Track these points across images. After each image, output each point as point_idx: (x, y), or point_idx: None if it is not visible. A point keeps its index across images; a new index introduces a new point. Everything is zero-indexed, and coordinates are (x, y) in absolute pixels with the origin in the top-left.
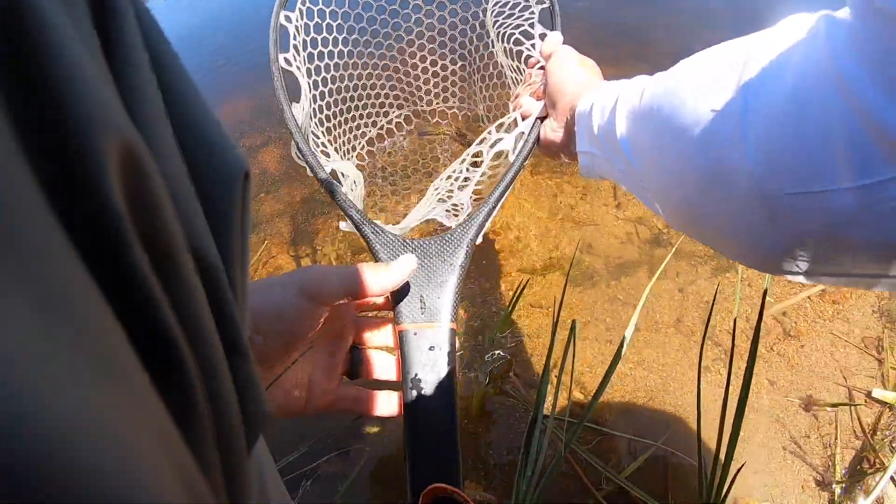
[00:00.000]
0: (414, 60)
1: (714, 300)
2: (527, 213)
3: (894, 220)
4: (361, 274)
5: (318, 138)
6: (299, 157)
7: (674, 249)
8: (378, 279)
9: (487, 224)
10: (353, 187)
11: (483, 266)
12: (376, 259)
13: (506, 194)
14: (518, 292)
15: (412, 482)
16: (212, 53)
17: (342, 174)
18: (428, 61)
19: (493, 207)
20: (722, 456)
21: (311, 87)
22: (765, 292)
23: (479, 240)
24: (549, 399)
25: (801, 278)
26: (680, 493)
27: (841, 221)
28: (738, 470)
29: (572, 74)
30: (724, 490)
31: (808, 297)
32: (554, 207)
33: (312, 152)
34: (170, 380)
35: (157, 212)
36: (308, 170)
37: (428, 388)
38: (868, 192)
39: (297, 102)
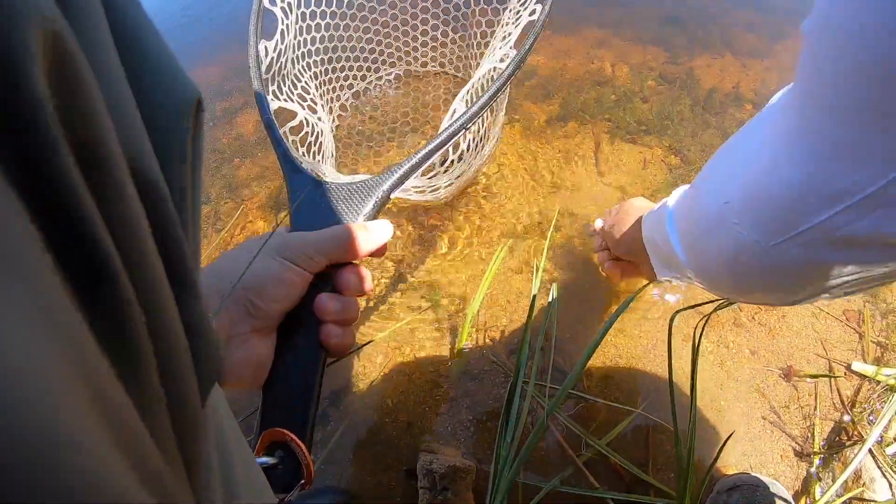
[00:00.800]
0: (415, 21)
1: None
2: (510, 176)
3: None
4: (341, 239)
5: (300, 80)
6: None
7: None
8: (360, 244)
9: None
10: (312, 135)
11: (466, 228)
12: (289, 193)
13: (440, 151)
14: (497, 256)
15: (261, 423)
16: (181, 10)
17: (305, 121)
18: (429, 24)
19: (419, 163)
20: (707, 423)
21: (304, 30)
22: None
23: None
24: (529, 364)
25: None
26: (660, 458)
27: (819, 253)
28: (726, 441)
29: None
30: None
31: None
32: (536, 171)
33: (262, 90)
34: (102, 305)
35: (89, 113)
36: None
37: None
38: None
39: (269, 41)
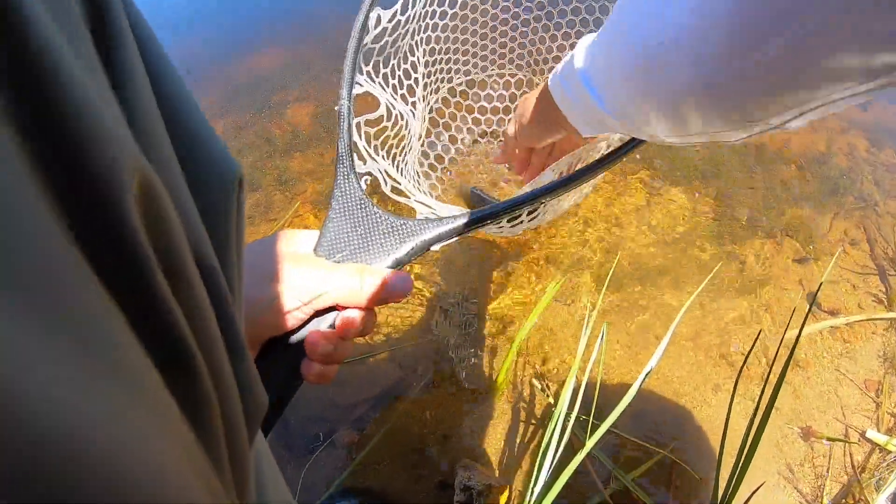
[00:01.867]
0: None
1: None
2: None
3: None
4: (353, 289)
5: (410, 57)
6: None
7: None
8: (374, 296)
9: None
10: (394, 128)
11: (513, 252)
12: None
13: (505, 217)
14: (555, 287)
15: None
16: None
17: (390, 110)
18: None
19: (474, 222)
20: (725, 473)
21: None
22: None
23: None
24: (568, 394)
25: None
26: (681, 500)
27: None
28: (755, 490)
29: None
30: None
31: (820, 332)
32: (586, 205)
33: (354, 68)
34: (187, 384)
35: (170, 232)
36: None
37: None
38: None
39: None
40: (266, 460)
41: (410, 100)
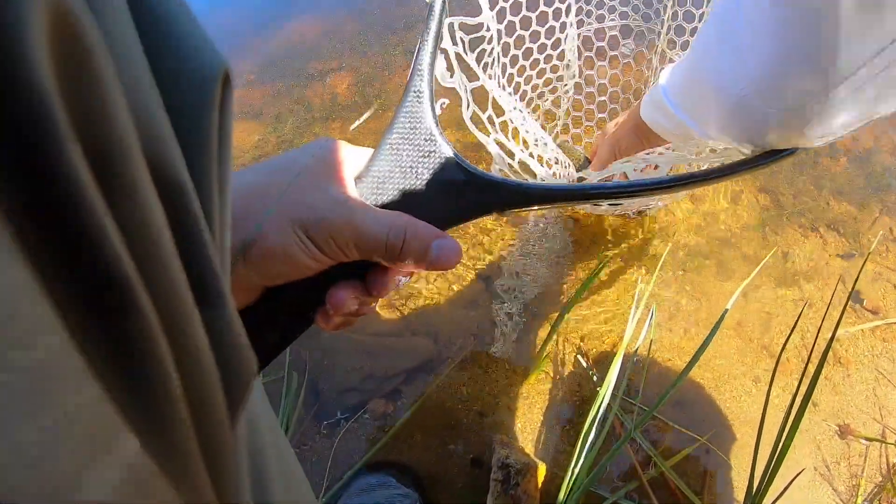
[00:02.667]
0: None
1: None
2: None
3: None
4: (395, 248)
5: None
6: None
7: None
8: (417, 261)
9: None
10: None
11: (558, 235)
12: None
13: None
14: (597, 270)
15: None
16: None
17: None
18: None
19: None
20: (761, 466)
21: None
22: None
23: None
24: (614, 376)
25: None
26: (714, 490)
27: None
28: (794, 478)
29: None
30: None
31: (862, 331)
32: None
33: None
34: (120, 335)
35: (102, 102)
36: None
37: None
38: None
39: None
40: (273, 452)
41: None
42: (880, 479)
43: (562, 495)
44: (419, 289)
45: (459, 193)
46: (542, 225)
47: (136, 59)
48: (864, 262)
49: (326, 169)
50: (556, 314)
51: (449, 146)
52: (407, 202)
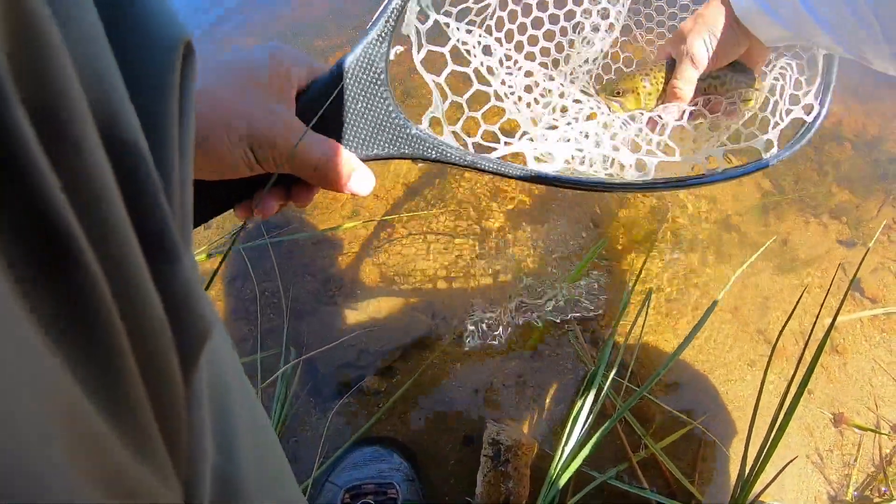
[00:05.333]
0: None
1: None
2: None
3: None
4: (321, 171)
5: None
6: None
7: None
8: (336, 183)
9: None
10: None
11: (553, 215)
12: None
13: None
14: (593, 251)
15: None
16: None
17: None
18: None
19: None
20: (752, 452)
21: None
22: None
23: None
24: (607, 357)
25: None
26: (706, 474)
27: None
28: (784, 467)
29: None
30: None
31: (860, 320)
32: None
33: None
34: (67, 293)
35: (46, 62)
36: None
37: None
38: None
39: None
40: (238, 413)
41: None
42: (872, 469)
43: (551, 474)
44: (417, 266)
45: (387, 135)
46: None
47: (89, 25)
48: (867, 253)
49: (275, 82)
50: (553, 294)
51: (390, 92)
52: (339, 129)
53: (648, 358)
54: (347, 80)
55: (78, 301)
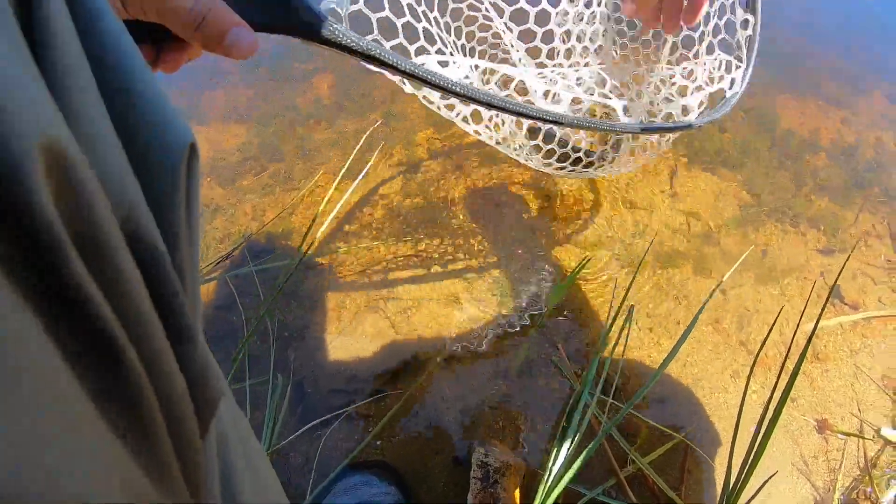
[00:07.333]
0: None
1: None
2: (585, 185)
3: None
4: (188, 18)
5: None
6: None
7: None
8: (209, 41)
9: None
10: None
11: (537, 231)
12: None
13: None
14: (578, 270)
15: None
16: None
17: None
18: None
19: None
20: (737, 462)
21: None
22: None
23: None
24: (592, 375)
25: None
26: (692, 486)
27: None
28: (767, 480)
29: None
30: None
31: (840, 325)
32: (609, 185)
33: None
34: (115, 380)
35: (89, 210)
36: None
37: None
38: None
39: None
40: (239, 453)
41: None
42: (858, 473)
43: (540, 493)
44: (401, 290)
45: (279, 7)
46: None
47: (114, 150)
48: (847, 259)
49: None
50: (536, 314)
51: None
52: None
53: (634, 374)
54: None
55: (125, 387)
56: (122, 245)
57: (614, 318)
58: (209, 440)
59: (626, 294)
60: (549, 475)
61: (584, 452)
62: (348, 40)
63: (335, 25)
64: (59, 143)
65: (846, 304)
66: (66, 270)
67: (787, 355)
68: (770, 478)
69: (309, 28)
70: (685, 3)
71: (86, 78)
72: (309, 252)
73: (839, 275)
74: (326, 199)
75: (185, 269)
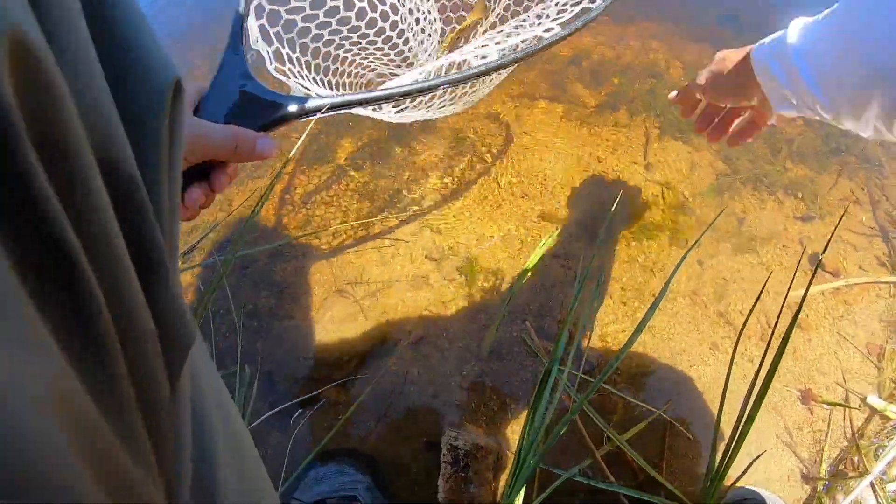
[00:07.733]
0: None
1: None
2: (553, 159)
3: None
4: (225, 148)
5: None
6: None
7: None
8: (242, 155)
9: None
10: None
11: (505, 205)
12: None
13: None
14: (544, 243)
15: None
16: None
17: None
18: None
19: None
20: (725, 436)
21: None
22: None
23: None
24: (560, 350)
25: None
26: (673, 462)
27: None
28: (755, 460)
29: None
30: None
31: (822, 292)
32: (582, 157)
33: None
34: (68, 300)
35: (54, 110)
36: None
37: None
38: None
39: None
40: (214, 418)
41: None
42: (845, 443)
43: (509, 474)
44: (369, 273)
45: (267, 109)
46: None
47: (92, 73)
48: (835, 230)
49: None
50: (506, 289)
51: (259, 81)
52: (234, 117)
53: (609, 349)
54: (224, 84)
55: (76, 303)
56: (92, 163)
57: (580, 288)
58: (181, 392)
59: (587, 266)
60: (521, 455)
61: (555, 429)
62: (333, 99)
63: (316, 97)
64: (25, 35)
65: (827, 271)
66: (20, 158)
67: (774, 328)
68: (758, 457)
69: (299, 111)
70: (735, 126)
71: None
72: (277, 240)
73: (827, 245)
74: (288, 185)
75: (163, 205)
